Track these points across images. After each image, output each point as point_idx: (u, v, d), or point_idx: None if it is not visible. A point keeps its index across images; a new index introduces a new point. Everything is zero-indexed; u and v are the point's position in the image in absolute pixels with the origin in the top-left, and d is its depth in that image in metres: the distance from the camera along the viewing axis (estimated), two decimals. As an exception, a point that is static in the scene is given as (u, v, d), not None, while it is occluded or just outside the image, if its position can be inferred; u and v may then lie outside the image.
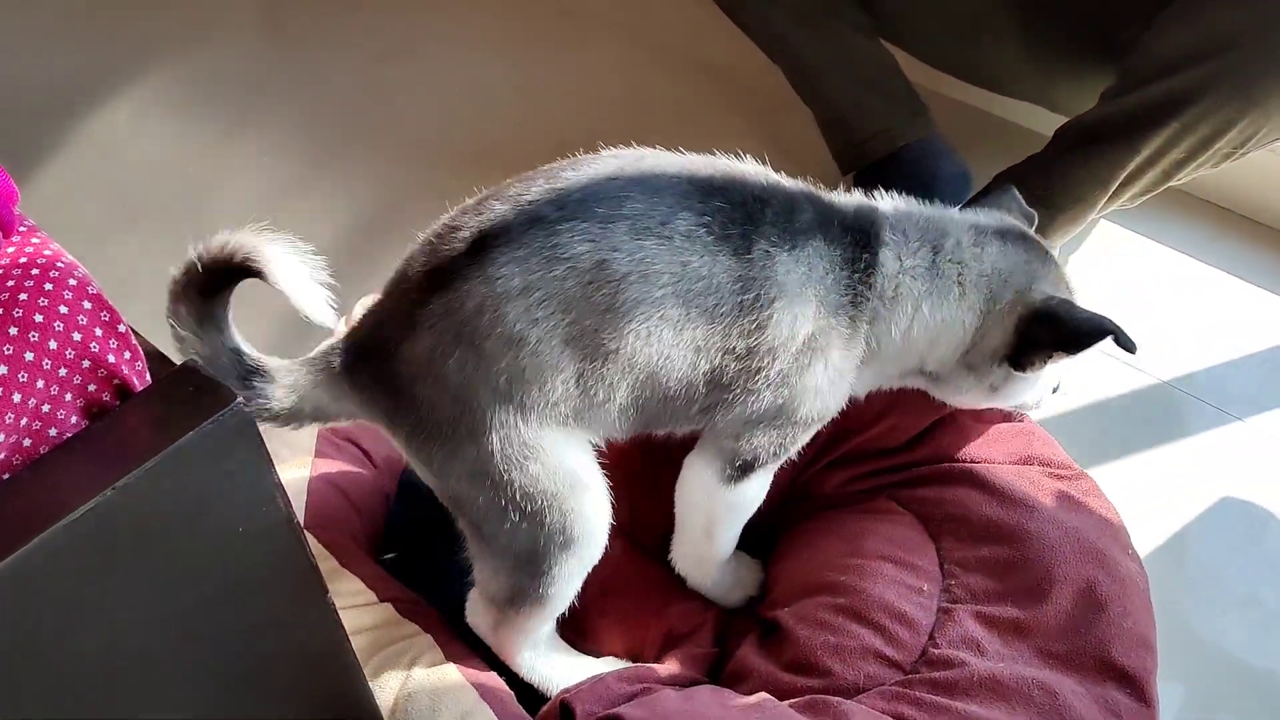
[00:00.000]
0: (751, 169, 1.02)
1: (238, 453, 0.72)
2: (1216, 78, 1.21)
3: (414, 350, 0.94)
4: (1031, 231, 1.11)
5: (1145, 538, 1.35)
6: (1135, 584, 1.06)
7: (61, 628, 0.69)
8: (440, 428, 0.96)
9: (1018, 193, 1.16)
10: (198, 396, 0.70)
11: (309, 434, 1.31)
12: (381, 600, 1.14)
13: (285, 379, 0.98)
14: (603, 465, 1.23)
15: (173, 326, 0.94)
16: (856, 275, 1.00)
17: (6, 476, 0.68)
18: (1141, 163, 1.34)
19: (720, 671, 1.11)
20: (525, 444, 0.96)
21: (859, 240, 1.00)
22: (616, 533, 1.24)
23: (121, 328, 0.72)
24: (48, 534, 0.64)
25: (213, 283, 0.90)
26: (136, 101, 2.09)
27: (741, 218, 0.96)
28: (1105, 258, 1.66)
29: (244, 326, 0.98)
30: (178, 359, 0.84)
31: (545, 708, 1.04)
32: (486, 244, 0.93)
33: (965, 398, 1.11)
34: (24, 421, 0.68)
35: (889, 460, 1.18)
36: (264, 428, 0.91)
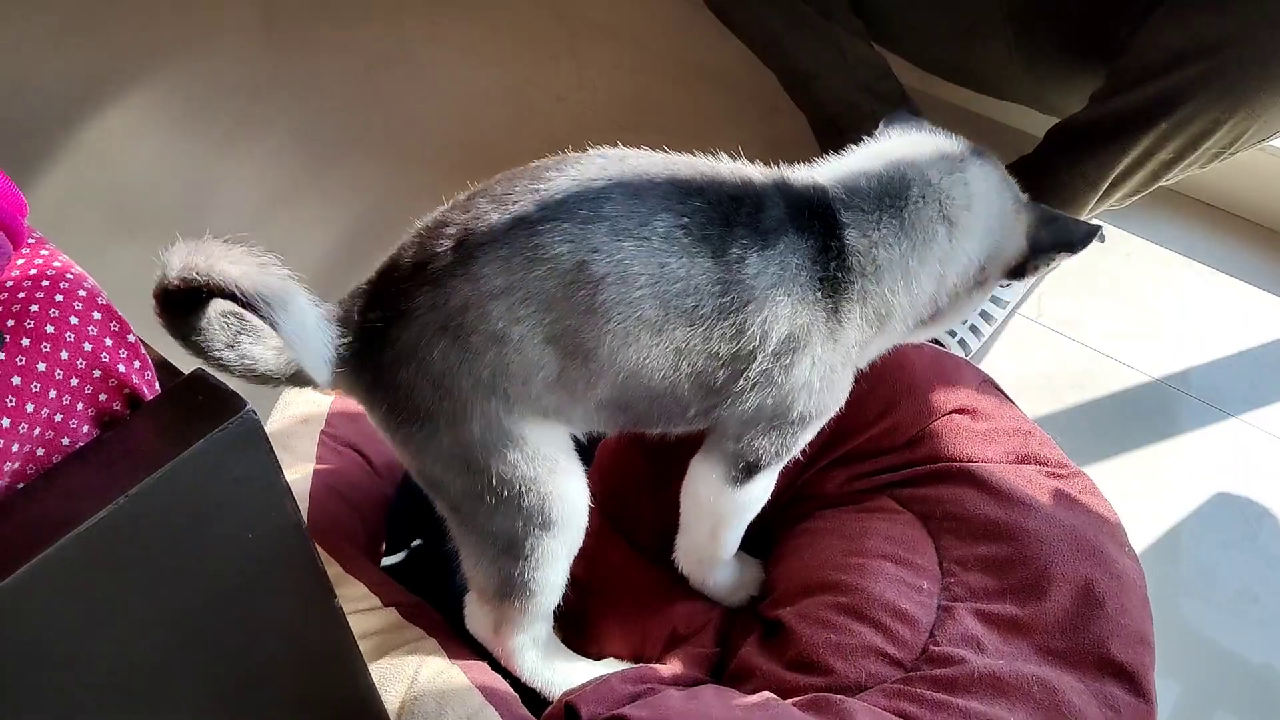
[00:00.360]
0: (727, 167, 1.01)
1: (247, 459, 0.72)
2: (1205, 79, 1.22)
3: (399, 336, 0.95)
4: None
5: (1140, 535, 1.36)
6: (1133, 581, 1.07)
7: (74, 633, 0.70)
8: (419, 411, 0.97)
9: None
10: (207, 404, 0.71)
11: (310, 440, 1.32)
12: (385, 605, 1.15)
13: (273, 340, 0.99)
14: (603, 467, 1.25)
15: (158, 316, 0.91)
16: (833, 263, 0.98)
17: (21, 486, 0.69)
18: (1131, 163, 1.35)
19: (723, 671, 1.12)
20: (505, 433, 0.97)
21: (828, 227, 0.99)
22: (618, 534, 1.25)
23: (131, 337, 0.73)
24: (62, 542, 0.65)
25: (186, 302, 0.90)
26: (133, 110, 2.10)
27: (719, 218, 0.96)
28: (1097, 257, 1.68)
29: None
30: (180, 364, 0.85)
31: (550, 709, 1.05)
32: (471, 242, 0.94)
33: (948, 321, 1.11)
34: (37, 431, 0.68)
35: (888, 459, 1.18)
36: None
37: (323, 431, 1.33)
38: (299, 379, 1.01)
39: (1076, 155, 1.38)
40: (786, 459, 1.07)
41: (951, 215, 1.02)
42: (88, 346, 0.70)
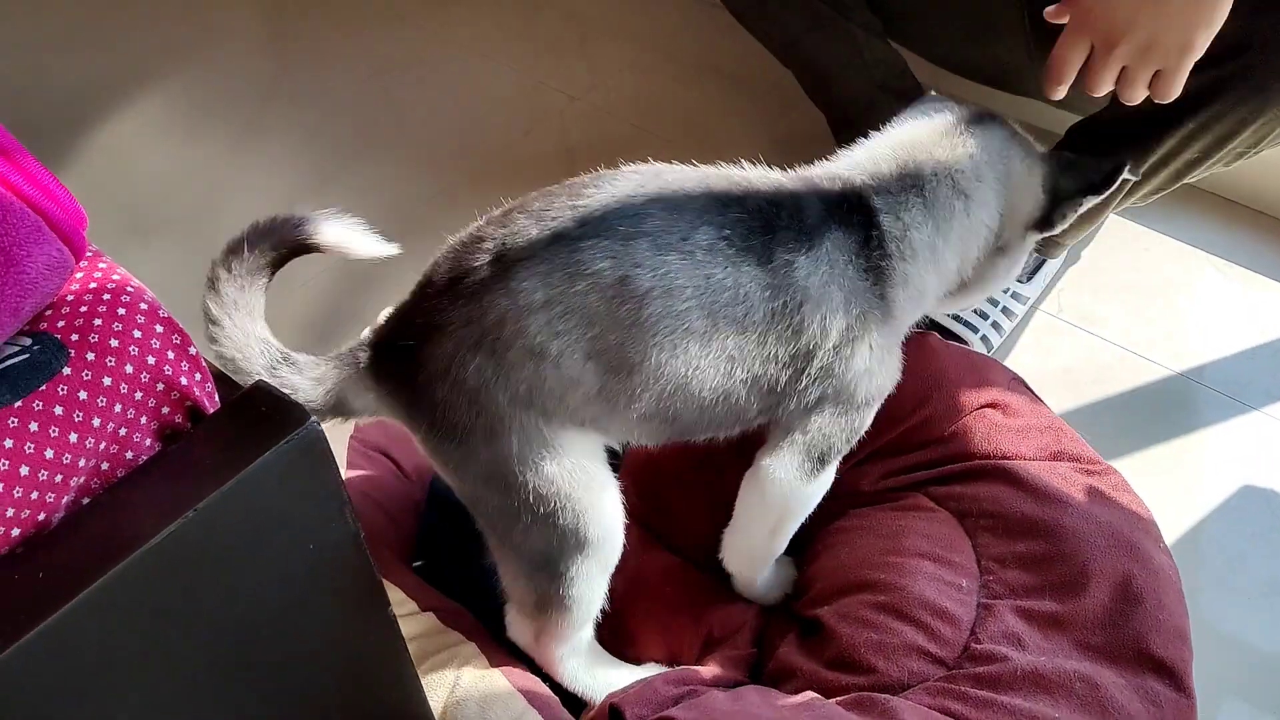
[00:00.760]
0: (757, 174, 1.04)
1: (310, 470, 0.73)
2: (1231, 79, 1.22)
3: (435, 353, 0.96)
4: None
5: (1165, 528, 1.36)
6: (1168, 576, 1.08)
7: (140, 647, 0.70)
8: (456, 429, 0.97)
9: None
10: (269, 417, 0.71)
11: (340, 445, 1.32)
12: (423, 610, 1.15)
13: (312, 372, 1.01)
14: (633, 468, 1.25)
15: (208, 310, 0.98)
16: (876, 253, 1.02)
17: (88, 500, 0.69)
18: (1155, 162, 1.35)
19: (760, 672, 1.12)
20: (542, 447, 0.98)
21: (866, 219, 1.03)
22: (650, 536, 1.25)
23: (192, 350, 0.73)
24: (130, 559, 0.65)
25: (259, 261, 0.96)
26: (143, 114, 2.09)
27: (760, 226, 0.97)
28: (1117, 252, 1.68)
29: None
30: (223, 371, 0.86)
31: (594, 711, 1.06)
32: (509, 257, 0.95)
33: (991, 286, 1.16)
34: (102, 445, 0.69)
35: (922, 455, 1.19)
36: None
37: (352, 436, 1.34)
38: (339, 410, 1.03)
39: (1099, 154, 1.38)
40: (853, 444, 1.09)
41: (966, 189, 1.07)
42: (151, 360, 0.70)
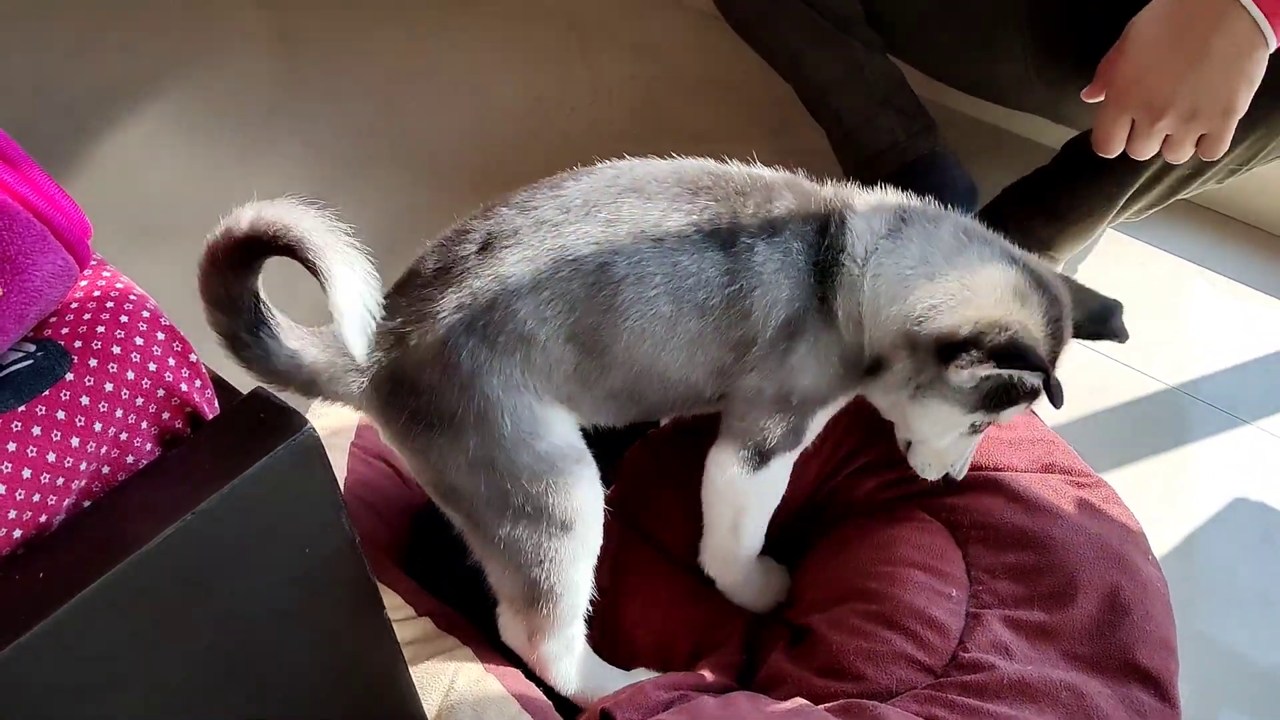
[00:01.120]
0: (734, 167, 1.07)
1: (307, 476, 0.74)
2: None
3: (423, 341, 0.98)
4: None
5: (1157, 540, 1.37)
6: (1156, 589, 1.09)
7: (138, 648, 0.72)
8: (443, 415, 0.99)
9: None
10: (267, 423, 0.73)
11: (341, 453, 1.34)
12: (419, 614, 1.16)
13: (292, 341, 0.98)
14: (625, 471, 1.27)
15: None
16: (830, 251, 1.02)
17: (89, 503, 0.70)
18: (1149, 178, 1.37)
19: (750, 679, 1.14)
20: (533, 426, 1.00)
21: (836, 223, 1.03)
22: (642, 539, 1.27)
23: (193, 357, 0.75)
24: (130, 559, 0.67)
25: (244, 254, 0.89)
26: (151, 121, 2.11)
27: (727, 213, 1.01)
28: (1111, 266, 1.70)
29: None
30: (238, 384, 0.86)
31: (584, 716, 1.07)
32: (497, 244, 0.98)
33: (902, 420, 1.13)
34: (105, 450, 0.70)
35: (915, 468, 1.20)
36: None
37: (353, 443, 1.35)
38: (308, 390, 1.00)
39: (1095, 170, 1.40)
40: (800, 445, 1.10)
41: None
42: (152, 366, 0.72)
